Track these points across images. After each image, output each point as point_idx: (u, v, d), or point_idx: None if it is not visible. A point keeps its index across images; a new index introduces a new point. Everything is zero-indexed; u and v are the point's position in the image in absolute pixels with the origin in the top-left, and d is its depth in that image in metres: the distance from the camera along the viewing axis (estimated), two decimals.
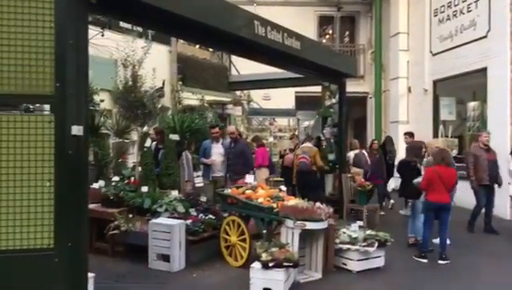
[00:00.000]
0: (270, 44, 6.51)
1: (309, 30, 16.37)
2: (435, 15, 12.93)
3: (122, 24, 10.20)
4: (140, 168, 7.04)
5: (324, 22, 18.43)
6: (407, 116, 14.32)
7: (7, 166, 3.51)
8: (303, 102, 16.92)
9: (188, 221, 5.75)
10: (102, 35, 7.72)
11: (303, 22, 15.97)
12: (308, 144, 8.85)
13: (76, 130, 3.67)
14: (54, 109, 3.65)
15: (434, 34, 12.96)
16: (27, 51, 3.63)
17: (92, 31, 7.05)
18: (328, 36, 18.90)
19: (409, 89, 14.28)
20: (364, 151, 9.80)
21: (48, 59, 3.67)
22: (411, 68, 14.28)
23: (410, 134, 9.53)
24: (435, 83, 12.95)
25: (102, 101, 7.91)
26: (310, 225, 5.10)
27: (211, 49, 14.86)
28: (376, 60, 15.56)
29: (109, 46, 7.73)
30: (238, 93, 16.41)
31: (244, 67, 14.52)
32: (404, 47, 14.50)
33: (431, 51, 13.11)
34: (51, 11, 3.68)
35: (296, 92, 16.33)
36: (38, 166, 3.57)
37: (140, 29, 10.01)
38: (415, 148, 7.21)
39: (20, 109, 5.30)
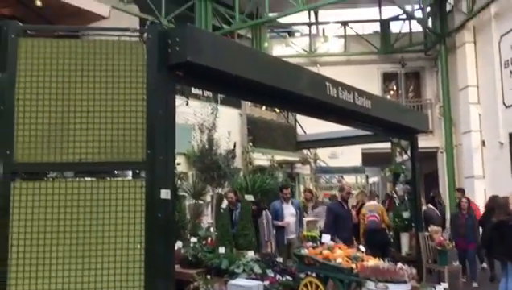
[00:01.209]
0: (341, 104, 6.60)
1: (373, 86, 16.44)
2: (506, 67, 12.62)
3: (194, 90, 10.77)
4: (215, 229, 7.16)
5: (388, 78, 18.46)
6: (483, 171, 13.73)
7: (102, 229, 3.73)
8: (370, 159, 16.71)
9: (266, 283, 5.72)
10: (187, 104, 8.19)
11: (366, 80, 16.06)
12: (374, 202, 8.72)
13: (165, 193, 3.87)
14: (145, 175, 3.88)
15: (506, 85, 12.60)
16: (122, 121, 3.93)
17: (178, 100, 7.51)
18: (392, 92, 18.83)
19: (483, 143, 13.78)
20: (432, 206, 9.48)
21: (140, 128, 3.94)
22: (483, 121, 13.85)
23: (461, 191, 9.20)
24: (511, 135, 12.44)
25: (179, 164, 8.25)
26: (392, 288, 4.91)
27: (277, 110, 15.22)
28: (445, 114, 15.25)
29: (185, 112, 8.17)
30: (305, 151, 16.51)
31: (310, 125, 14.68)
32: (474, 100, 14.16)
33: (504, 103, 12.70)
34: (143, 84, 4.00)
35: (363, 149, 16.20)
36: (130, 229, 3.76)
37: (210, 94, 10.52)
38: (504, 205, 6.87)
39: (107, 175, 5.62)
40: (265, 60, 5.82)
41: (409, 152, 9.06)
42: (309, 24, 18.94)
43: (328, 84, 6.32)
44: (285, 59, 15.52)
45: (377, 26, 18.60)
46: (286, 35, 19.95)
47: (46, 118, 3.71)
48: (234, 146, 9.73)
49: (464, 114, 14.53)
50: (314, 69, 15.72)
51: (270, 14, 15.20)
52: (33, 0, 10.05)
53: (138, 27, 13.67)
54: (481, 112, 13.94)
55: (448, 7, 16.05)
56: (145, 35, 4.13)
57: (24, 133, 3.65)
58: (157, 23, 12.65)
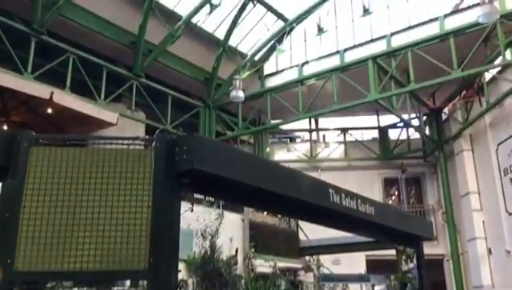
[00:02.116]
0: (344, 211, 6.56)
1: (374, 192, 16.52)
2: (506, 174, 12.76)
3: (196, 195, 10.80)
4: None
5: (389, 183, 18.56)
6: (491, 280, 13.29)
7: None
8: (374, 266, 16.25)
9: None
10: (192, 211, 8.18)
11: (367, 185, 16.17)
12: None
13: None
14: (147, 284, 3.76)
15: (508, 193, 12.63)
16: (126, 229, 3.88)
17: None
18: (393, 197, 18.84)
19: (489, 251, 13.48)
20: None
21: (144, 235, 3.89)
22: (488, 228, 13.69)
23: None
24: None
25: (179, 271, 8.03)
26: None
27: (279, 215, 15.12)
28: (448, 221, 15.14)
29: (188, 217, 8.13)
30: (308, 258, 16.10)
31: (312, 231, 14.49)
32: (477, 206, 14.11)
33: (507, 211, 12.64)
34: (149, 192, 4.01)
35: (367, 255, 15.82)
36: None
37: (212, 199, 10.54)
38: None
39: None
40: (269, 167, 5.90)
41: (415, 260, 8.85)
42: (310, 131, 19.49)
43: (331, 190, 6.35)
44: (286, 164, 15.78)
45: (376, 133, 19.11)
46: (288, 140, 20.45)
47: (50, 226, 3.68)
48: (236, 252, 9.54)
49: (467, 221, 14.40)
50: (315, 174, 15.86)
51: (272, 121, 15.72)
52: (43, 107, 10.44)
53: (143, 133, 14.12)
54: (485, 219, 13.83)
55: (444, 116, 16.63)
56: (153, 143, 4.25)
57: (27, 241, 3.60)
58: (165, 131, 13.05)
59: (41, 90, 9.87)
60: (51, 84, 10.92)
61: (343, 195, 6.59)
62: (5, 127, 10.74)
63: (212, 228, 7.17)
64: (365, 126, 19.45)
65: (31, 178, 3.69)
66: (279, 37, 17.29)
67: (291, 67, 17.57)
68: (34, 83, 10.63)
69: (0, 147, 3.79)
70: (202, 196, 10.67)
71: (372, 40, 15.83)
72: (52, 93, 9.70)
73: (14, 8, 11.50)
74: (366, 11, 15.49)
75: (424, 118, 17.03)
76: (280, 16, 16.96)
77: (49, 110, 10.35)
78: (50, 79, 11.49)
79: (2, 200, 3.70)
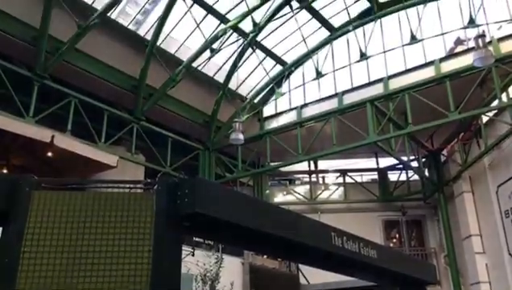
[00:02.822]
0: (346, 254, 6.49)
1: (375, 234, 16.37)
2: (507, 216, 12.68)
3: (195, 239, 10.69)
4: None
5: (390, 226, 18.39)
6: None
7: None
8: None
9: None
10: (192, 255, 8.08)
11: (368, 227, 16.04)
12: None
13: None
14: None
15: (510, 235, 12.52)
16: (126, 274, 3.83)
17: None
18: (394, 240, 18.63)
19: None
20: None
21: (145, 281, 3.83)
22: (491, 271, 13.47)
23: None
24: None
25: None
26: None
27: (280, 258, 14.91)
28: (451, 264, 14.93)
29: (187, 260, 8.02)
30: None
31: (313, 274, 14.25)
32: (479, 249, 13.94)
33: (510, 253, 12.49)
34: (150, 236, 3.98)
35: None
36: None
37: (211, 242, 10.42)
38: None
39: None
40: (269, 210, 5.87)
41: None
42: (309, 173, 19.49)
43: (332, 233, 6.29)
44: (286, 206, 15.64)
45: (375, 175, 19.11)
46: (287, 182, 20.41)
47: (50, 272, 3.63)
48: None
49: (470, 264, 14.18)
50: (315, 216, 15.78)
51: (272, 164, 15.74)
52: (44, 150, 10.48)
53: (143, 175, 14.12)
54: (488, 262, 13.63)
55: (443, 157, 16.69)
56: (155, 186, 4.25)
57: (26, 287, 3.54)
58: (167, 174, 13.05)
59: (42, 133, 9.94)
60: (51, 128, 11.02)
61: (345, 238, 6.53)
62: (5, 171, 10.73)
63: (212, 272, 7.05)
64: (364, 167, 19.47)
65: (32, 223, 3.67)
66: (278, 80, 17.58)
67: (290, 109, 17.78)
68: (35, 126, 10.71)
69: (1, 191, 3.78)
70: (201, 240, 10.59)
71: (369, 83, 16.12)
72: (53, 136, 9.77)
73: (18, 53, 11.74)
74: (363, 55, 15.83)
75: (423, 159, 17.08)
76: (279, 60, 17.31)
77: (49, 153, 10.38)
78: (51, 122, 11.60)
79: (2, 246, 3.67)
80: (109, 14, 12.77)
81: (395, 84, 14.76)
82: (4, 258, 3.63)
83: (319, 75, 16.94)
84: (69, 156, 10.41)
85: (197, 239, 10.66)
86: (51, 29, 11.52)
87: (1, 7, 11.15)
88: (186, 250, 7.82)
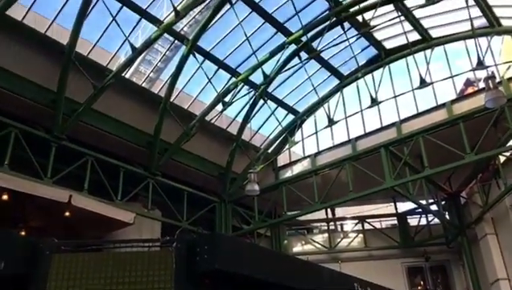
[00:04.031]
0: None
1: (399, 281, 15.93)
2: None
3: None
4: None
5: (413, 272, 17.84)
6: None
7: None
8: None
9: None
10: None
11: (391, 275, 15.63)
12: None
13: None
14: None
15: None
16: None
17: None
18: (419, 287, 18.03)
19: None
20: None
21: None
22: None
23: None
24: None
25: None
26: None
27: None
28: None
29: None
30: None
31: None
32: None
33: None
34: None
35: None
36: None
37: None
38: None
39: None
40: (289, 263, 5.79)
41: None
42: (327, 221, 19.23)
43: (356, 284, 6.15)
44: (305, 256, 15.37)
45: (394, 220, 18.77)
46: (305, 232, 20.12)
47: None
48: None
49: None
50: (335, 266, 15.45)
51: (289, 213, 15.59)
52: (61, 210, 10.53)
53: (160, 231, 14.06)
54: None
55: (463, 199, 16.39)
56: (174, 244, 4.23)
57: None
58: (186, 231, 12.98)
59: (60, 194, 10.02)
60: (68, 187, 11.13)
61: (368, 288, 6.37)
62: (23, 233, 10.76)
63: None
64: (382, 213, 19.16)
65: (53, 286, 3.65)
66: (291, 129, 17.71)
67: (304, 157, 17.79)
68: (53, 187, 10.82)
69: (22, 255, 3.79)
70: None
71: (382, 128, 16.15)
72: (71, 196, 9.84)
73: (36, 116, 12.04)
74: (374, 101, 15.94)
75: (443, 202, 16.79)
76: (291, 110, 17.51)
77: (67, 213, 10.42)
78: (67, 181, 11.72)
79: None
80: (123, 74, 13.14)
81: (408, 127, 14.76)
82: None
83: (331, 122, 17.03)
84: (86, 215, 10.43)
85: None
86: (67, 91, 11.86)
87: (19, 72, 11.54)
88: None
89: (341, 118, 17.27)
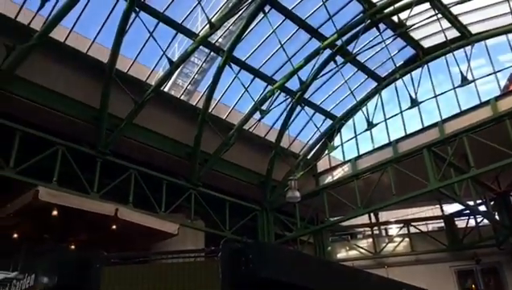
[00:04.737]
0: None
1: (449, 286, 15.53)
2: None
3: None
4: None
5: (463, 276, 17.26)
6: None
7: None
8: None
9: None
10: None
11: (440, 279, 15.23)
12: None
13: None
14: None
15: None
16: None
17: None
18: None
19: None
20: None
21: None
22: None
23: None
24: None
25: None
26: None
27: None
28: None
29: None
30: None
31: None
32: None
33: None
34: None
35: None
36: None
37: None
38: None
39: None
40: (334, 269, 5.72)
41: None
42: (371, 225, 18.91)
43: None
44: (350, 262, 15.16)
45: (441, 223, 18.26)
46: (349, 237, 19.85)
47: None
48: None
49: None
50: (382, 271, 15.15)
51: (331, 219, 15.44)
52: (108, 224, 10.81)
53: (203, 241, 14.21)
54: None
55: None
56: (219, 253, 4.27)
57: None
58: (230, 240, 13.03)
59: (106, 208, 10.30)
60: (114, 201, 11.42)
61: None
62: (72, 247, 11.11)
63: None
64: (428, 215, 18.69)
65: None
66: (330, 134, 17.58)
67: (345, 162, 17.60)
68: (99, 202, 11.13)
69: (73, 269, 3.92)
70: None
71: (423, 129, 15.78)
72: (117, 209, 10.10)
73: (80, 133, 12.43)
74: (414, 102, 15.60)
75: (492, 203, 16.20)
76: (328, 115, 17.39)
77: (114, 226, 10.69)
78: (113, 195, 12.03)
79: None
80: (162, 88, 13.42)
81: (451, 127, 14.35)
82: None
83: (370, 125, 16.78)
84: (132, 227, 10.67)
85: None
86: (109, 108, 12.21)
87: (62, 91, 11.96)
88: None
89: (381, 121, 17.00)
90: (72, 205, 9.92)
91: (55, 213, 10.17)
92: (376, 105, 16.93)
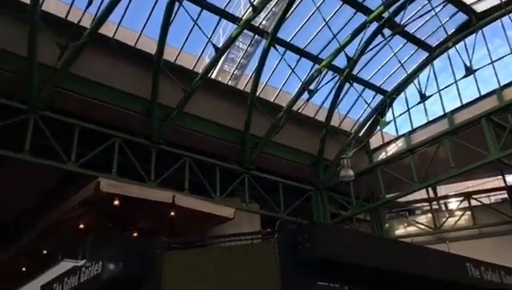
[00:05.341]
0: (487, 286, 5.97)
1: None
2: None
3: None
4: None
5: None
6: None
7: None
8: None
9: None
10: None
11: (506, 253, 14.59)
12: None
13: None
14: None
15: None
16: None
17: None
18: None
19: None
20: None
21: None
22: None
23: None
24: None
25: None
26: None
27: None
28: None
29: None
30: None
31: None
32: None
33: None
34: (278, 284, 4.01)
35: None
36: None
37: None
38: None
39: None
40: (393, 247, 5.64)
41: None
42: (429, 200, 18.44)
43: (468, 264, 5.85)
44: (409, 239, 14.80)
45: (504, 194, 17.53)
46: (406, 213, 19.46)
47: None
48: None
49: None
50: (442, 247, 14.75)
51: (387, 196, 15.17)
52: (166, 211, 11.15)
53: (259, 224, 14.37)
54: None
55: None
56: (275, 235, 4.31)
57: None
58: (285, 222, 13.17)
59: (164, 195, 10.61)
60: (170, 188, 11.74)
61: (482, 268, 6.02)
62: (135, 234, 11.55)
63: None
64: (490, 187, 17.98)
65: (167, 281, 3.89)
66: (381, 110, 17.18)
67: (398, 137, 17.19)
68: (157, 190, 11.48)
69: (136, 255, 4.08)
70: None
71: (480, 98, 15.10)
72: (174, 196, 10.38)
73: (134, 124, 12.81)
74: (469, 70, 14.91)
75: None
76: (378, 90, 16.97)
77: (172, 213, 11.00)
78: (168, 183, 12.37)
79: None
80: (209, 75, 13.55)
81: (511, 94, 13.66)
82: None
83: (423, 98, 16.21)
84: (189, 213, 10.94)
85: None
86: (159, 98, 12.49)
87: (114, 85, 12.34)
88: None
89: (434, 92, 16.39)
90: (131, 194, 10.28)
91: (116, 202, 10.59)
92: (428, 77, 16.32)
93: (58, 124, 11.34)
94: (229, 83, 15.21)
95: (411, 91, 16.97)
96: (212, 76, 14.67)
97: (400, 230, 18.12)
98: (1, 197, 13.38)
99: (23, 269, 13.86)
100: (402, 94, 17.26)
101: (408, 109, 17.17)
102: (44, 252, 13.15)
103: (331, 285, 10.26)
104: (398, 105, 17.50)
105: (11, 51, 10.71)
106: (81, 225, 11.61)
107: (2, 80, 10.80)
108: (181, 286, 3.86)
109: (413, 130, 16.65)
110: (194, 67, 13.72)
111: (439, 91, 16.37)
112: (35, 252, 13.28)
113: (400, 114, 17.44)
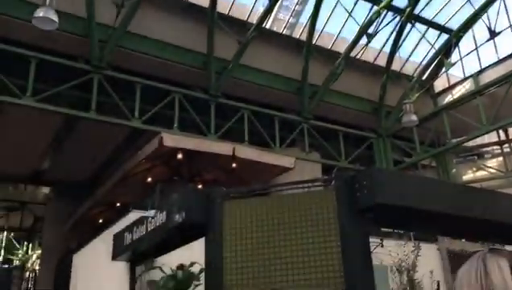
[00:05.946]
0: None
1: None
2: None
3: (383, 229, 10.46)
4: None
5: None
6: None
7: None
8: None
9: None
10: (382, 246, 7.99)
11: None
12: None
13: None
14: None
15: None
16: (320, 270, 3.94)
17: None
18: None
19: None
20: None
21: (338, 276, 3.89)
22: None
23: None
24: None
25: None
26: None
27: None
28: None
29: (379, 251, 7.90)
30: None
31: None
32: None
33: None
34: (336, 231, 4.03)
35: None
36: None
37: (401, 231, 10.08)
38: None
39: None
40: (457, 191, 5.47)
41: None
42: (500, 143, 17.60)
43: None
44: (478, 184, 14.35)
45: None
46: (475, 158, 18.72)
47: (249, 272, 3.94)
48: (438, 285, 8.89)
49: None
50: None
51: (453, 140, 14.63)
52: (228, 163, 11.42)
53: (320, 173, 14.38)
54: None
55: None
56: (333, 182, 4.30)
57: (231, 283, 3.91)
58: (343, 169, 13.10)
59: (224, 147, 10.85)
60: (231, 141, 11.96)
61: None
62: (200, 186, 11.97)
63: (408, 261, 6.82)
64: None
65: (227, 229, 4.03)
66: (446, 50, 16.29)
67: (465, 78, 16.34)
68: (217, 142, 11.73)
69: (197, 205, 4.24)
70: (390, 230, 10.33)
71: None
72: (234, 148, 10.59)
73: (192, 79, 13.00)
74: None
75: None
76: (443, 29, 16.03)
77: (233, 165, 11.26)
78: (228, 136, 12.58)
79: (208, 252, 4.13)
80: (263, 25, 13.36)
81: None
82: (212, 262, 4.09)
83: (493, 34, 15.18)
84: (250, 165, 11.16)
85: (385, 230, 10.45)
86: (215, 51, 12.53)
87: (172, 41, 12.50)
88: (374, 241, 7.74)
89: (505, 27, 15.27)
90: (193, 147, 10.60)
91: (180, 156, 10.98)
92: (498, 11, 15.17)
93: (121, 83, 11.73)
94: (285, 32, 14.93)
95: (480, 28, 15.90)
96: (267, 26, 14.44)
97: (468, 176, 17.55)
98: (77, 157, 14.29)
99: (100, 221, 14.88)
100: (470, 32, 16.22)
101: (476, 48, 16.16)
102: (118, 205, 14.00)
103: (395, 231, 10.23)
104: (465, 44, 16.51)
105: (72, 13, 11.04)
106: (149, 179, 12.19)
107: (67, 43, 11.23)
108: (241, 232, 4.00)
109: (481, 70, 15.74)
110: (248, 18, 13.56)
111: (510, 26, 15.22)
112: (110, 205, 14.18)
113: (467, 54, 16.48)
